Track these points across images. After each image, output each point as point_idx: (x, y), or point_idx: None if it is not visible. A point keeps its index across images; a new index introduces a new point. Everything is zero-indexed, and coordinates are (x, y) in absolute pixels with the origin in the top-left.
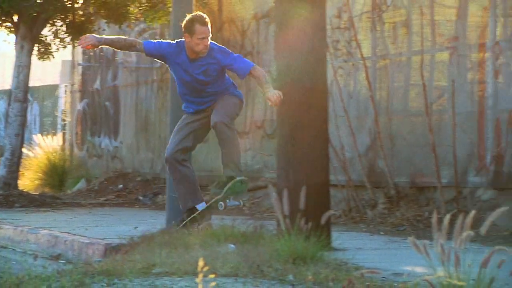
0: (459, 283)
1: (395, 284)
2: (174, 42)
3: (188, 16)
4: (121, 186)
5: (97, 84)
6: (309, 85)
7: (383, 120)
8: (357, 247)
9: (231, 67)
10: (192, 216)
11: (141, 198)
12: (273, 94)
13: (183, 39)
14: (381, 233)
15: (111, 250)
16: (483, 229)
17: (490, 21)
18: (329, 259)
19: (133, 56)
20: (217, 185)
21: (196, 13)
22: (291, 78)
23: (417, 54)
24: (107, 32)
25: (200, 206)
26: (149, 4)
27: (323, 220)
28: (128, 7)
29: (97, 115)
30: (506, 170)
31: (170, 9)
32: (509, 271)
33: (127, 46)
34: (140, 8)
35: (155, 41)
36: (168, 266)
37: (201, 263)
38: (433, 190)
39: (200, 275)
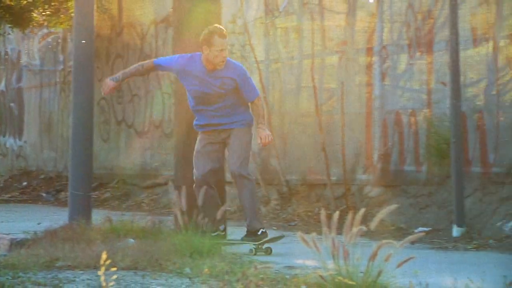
0: (349, 276)
1: (287, 276)
2: (187, 55)
3: (207, 29)
4: (25, 183)
5: (2, 86)
6: None
7: (275, 120)
8: None
9: (242, 87)
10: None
11: (44, 195)
12: (266, 135)
13: (197, 53)
14: (274, 228)
15: (16, 244)
16: (372, 225)
17: (377, 26)
18: (224, 253)
19: (37, 59)
20: (248, 236)
21: (215, 25)
22: None
23: (308, 58)
24: (12, 37)
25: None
26: (52, 10)
27: (218, 216)
28: (32, 12)
29: (2, 116)
30: (393, 168)
31: (72, 14)
32: (396, 264)
33: (147, 71)
34: (44, 13)
35: (166, 58)
36: (70, 260)
37: (104, 256)
38: (323, 187)
39: (102, 268)
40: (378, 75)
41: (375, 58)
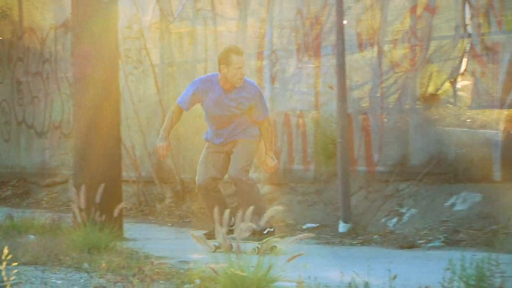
0: (240, 270)
1: (182, 271)
2: (202, 77)
3: (223, 49)
4: None
5: None
6: (103, 90)
7: None
8: (147, 238)
9: (255, 106)
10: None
11: None
12: (271, 167)
13: (210, 74)
14: (169, 224)
15: None
16: (262, 221)
17: (267, 32)
18: (121, 249)
19: None
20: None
21: (231, 44)
22: (86, 83)
23: (201, 61)
24: None
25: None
26: None
27: (115, 213)
28: None
29: None
30: (282, 167)
31: None
32: (286, 258)
33: (178, 115)
34: None
35: (184, 93)
36: None
37: (5, 251)
38: None
39: (4, 263)
40: (268, 78)
41: (265, 62)
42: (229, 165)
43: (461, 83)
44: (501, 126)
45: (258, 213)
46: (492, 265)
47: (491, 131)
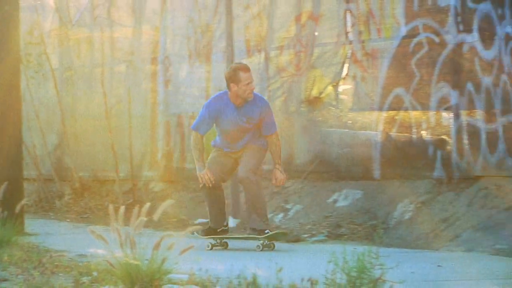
0: (135, 263)
1: (80, 263)
2: (211, 98)
3: (229, 67)
4: None
5: None
6: (5, 93)
7: (69, 122)
8: (47, 233)
9: (264, 120)
10: (218, 234)
11: None
12: (281, 179)
13: (219, 93)
14: (68, 220)
15: None
16: (156, 216)
17: (161, 38)
18: (23, 243)
19: None
20: (252, 232)
21: (236, 62)
22: None
23: (98, 66)
24: None
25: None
26: None
27: (17, 209)
28: None
29: None
30: (175, 165)
31: None
32: (179, 251)
33: (200, 142)
34: None
35: (198, 118)
36: None
37: None
38: (112, 183)
39: None
40: (162, 82)
41: (159, 67)
42: (235, 170)
43: (343, 87)
44: (380, 128)
45: (260, 214)
46: (372, 258)
47: (371, 132)
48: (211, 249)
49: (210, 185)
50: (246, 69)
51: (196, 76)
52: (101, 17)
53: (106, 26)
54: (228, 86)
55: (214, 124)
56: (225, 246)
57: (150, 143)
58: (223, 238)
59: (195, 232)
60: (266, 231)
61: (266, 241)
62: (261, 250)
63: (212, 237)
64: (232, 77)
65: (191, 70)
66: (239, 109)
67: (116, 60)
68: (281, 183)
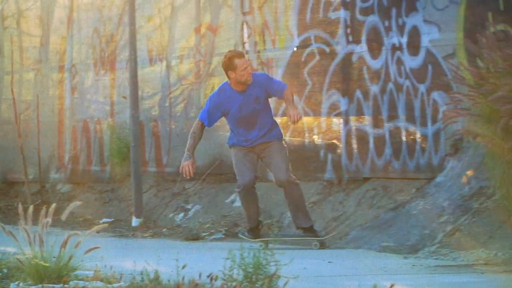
0: (43, 260)
1: None
2: (215, 91)
3: (224, 57)
4: None
5: None
6: None
7: None
8: None
9: (271, 88)
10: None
11: None
12: (294, 113)
13: (220, 86)
14: None
15: None
16: (63, 217)
17: (68, 47)
18: None
19: None
20: (306, 233)
21: (230, 51)
22: None
23: (8, 74)
24: None
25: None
26: None
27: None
28: None
29: None
30: (81, 168)
31: None
32: (85, 250)
33: (201, 131)
34: None
35: (204, 109)
36: None
37: None
38: (21, 185)
39: None
40: (69, 89)
41: (66, 75)
42: (257, 166)
43: None
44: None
45: (304, 211)
46: (267, 255)
47: None
48: (266, 246)
49: (187, 177)
50: (240, 55)
51: (101, 83)
52: (11, 27)
53: (15, 36)
54: (226, 74)
55: (228, 121)
56: (266, 244)
57: (58, 147)
58: (277, 239)
59: (240, 235)
60: (322, 235)
61: (321, 241)
62: (318, 249)
63: (265, 240)
64: (228, 66)
65: (97, 77)
66: (244, 93)
67: (25, 68)
68: (298, 117)
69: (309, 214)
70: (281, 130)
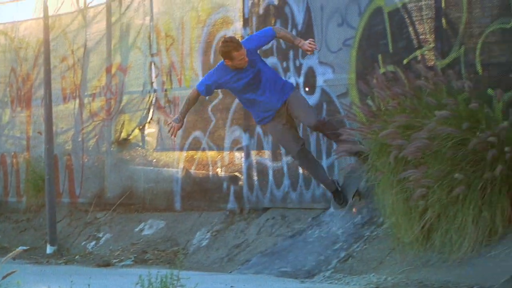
0: None
1: None
2: (213, 70)
3: (223, 45)
4: None
5: None
6: None
7: None
8: None
9: (257, 41)
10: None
11: None
12: (308, 43)
13: (218, 64)
14: None
15: None
16: None
17: None
18: None
19: None
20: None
21: (228, 40)
22: None
23: None
24: None
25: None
26: None
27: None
28: None
29: None
30: None
31: None
32: (1, 276)
33: (195, 99)
34: None
35: (202, 81)
36: None
37: None
38: None
39: None
40: None
41: None
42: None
43: (148, 130)
44: (181, 165)
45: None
46: (174, 280)
47: (173, 169)
48: (360, 199)
49: (172, 136)
50: (237, 47)
51: (17, 119)
52: None
53: None
54: (223, 59)
55: (238, 98)
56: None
57: None
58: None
59: (333, 207)
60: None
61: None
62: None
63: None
64: (225, 55)
65: (13, 114)
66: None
67: None
68: (313, 46)
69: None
70: (290, 82)
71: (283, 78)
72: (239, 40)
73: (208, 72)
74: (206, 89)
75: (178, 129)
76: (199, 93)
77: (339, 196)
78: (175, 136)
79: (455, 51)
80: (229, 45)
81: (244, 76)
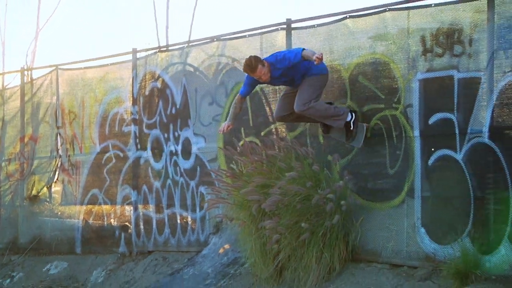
0: None
1: None
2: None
3: (244, 64)
4: None
5: None
6: None
7: None
8: None
9: (287, 63)
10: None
11: None
12: (316, 56)
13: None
14: None
15: None
16: None
17: None
18: None
19: None
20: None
21: (244, 64)
22: None
23: None
24: None
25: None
26: None
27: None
28: None
29: None
30: None
31: None
32: None
33: (241, 104)
34: None
35: (244, 84)
36: None
37: None
38: None
39: None
40: None
41: None
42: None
43: (54, 188)
44: (81, 217)
45: (330, 120)
46: None
47: (74, 220)
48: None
49: (220, 132)
50: (250, 70)
51: None
52: None
53: None
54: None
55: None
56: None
57: None
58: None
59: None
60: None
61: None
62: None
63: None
64: (246, 71)
65: None
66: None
67: None
68: (319, 57)
69: (338, 116)
70: (317, 68)
71: (316, 65)
72: (256, 62)
73: (246, 78)
74: (245, 92)
75: (229, 128)
76: (243, 98)
77: (356, 118)
78: (224, 132)
79: (301, 125)
80: (244, 68)
81: (275, 83)
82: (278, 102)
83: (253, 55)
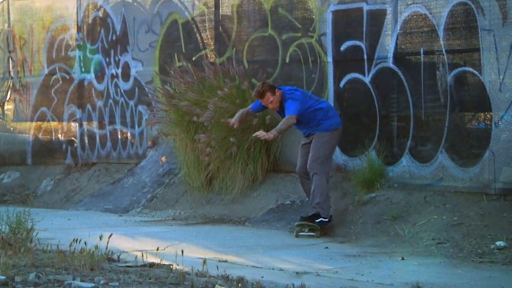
0: None
1: None
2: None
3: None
4: None
5: None
6: None
7: None
8: None
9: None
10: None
11: None
12: (260, 133)
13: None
14: None
15: None
16: None
17: None
18: None
19: None
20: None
21: (255, 90)
22: None
23: None
24: None
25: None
26: None
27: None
28: None
29: None
30: None
31: None
32: None
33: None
34: None
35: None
36: None
37: None
38: None
39: None
40: None
41: None
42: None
43: (7, 106)
44: (32, 132)
45: (312, 201)
46: (26, 215)
47: (25, 135)
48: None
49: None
50: (258, 95)
51: None
52: None
53: None
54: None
55: None
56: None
57: None
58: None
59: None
60: (318, 220)
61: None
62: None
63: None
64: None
65: None
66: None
67: None
68: (262, 135)
69: (319, 205)
70: (332, 122)
71: (328, 120)
72: (265, 89)
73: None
74: (254, 110)
75: (233, 125)
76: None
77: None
78: (264, 137)
79: (229, 51)
80: (254, 93)
81: (280, 114)
82: (299, 155)
83: (267, 82)
